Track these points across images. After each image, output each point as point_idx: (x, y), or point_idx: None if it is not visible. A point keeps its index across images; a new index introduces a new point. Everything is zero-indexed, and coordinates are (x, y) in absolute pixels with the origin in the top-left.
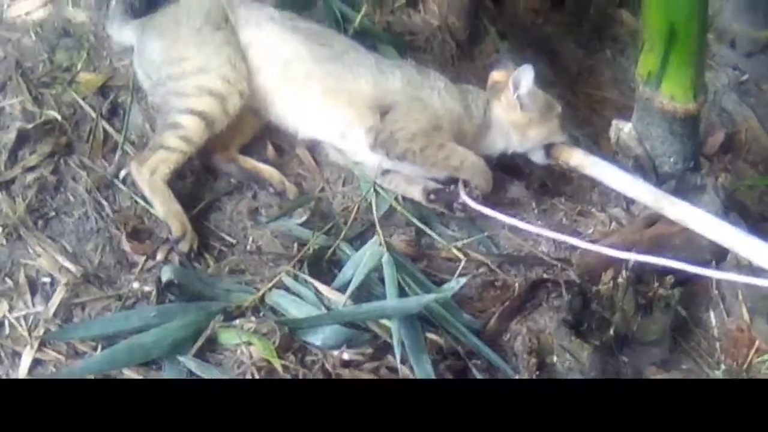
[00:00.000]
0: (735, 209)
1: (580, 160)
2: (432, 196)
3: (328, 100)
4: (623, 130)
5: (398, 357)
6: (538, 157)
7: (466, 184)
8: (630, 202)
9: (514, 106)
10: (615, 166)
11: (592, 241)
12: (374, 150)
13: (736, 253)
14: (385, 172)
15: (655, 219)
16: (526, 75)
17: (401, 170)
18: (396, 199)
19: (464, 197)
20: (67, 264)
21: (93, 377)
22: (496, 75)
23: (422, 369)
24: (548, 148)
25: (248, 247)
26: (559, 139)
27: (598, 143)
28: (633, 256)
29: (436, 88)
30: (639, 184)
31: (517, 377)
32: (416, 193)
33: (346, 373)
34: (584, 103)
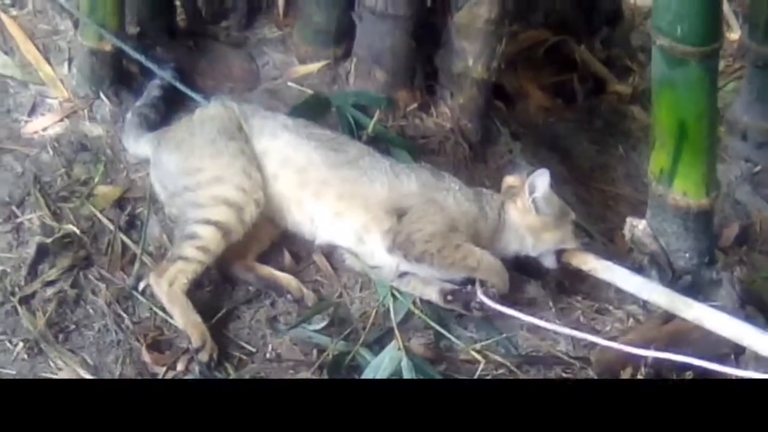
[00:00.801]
0: (752, 302)
1: (593, 264)
2: (449, 297)
3: (344, 205)
4: (638, 227)
5: None
6: (549, 262)
7: (482, 284)
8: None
9: (530, 209)
10: (627, 270)
11: (611, 339)
12: (392, 253)
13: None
14: (402, 274)
15: (672, 315)
16: (541, 178)
17: (418, 272)
18: (413, 302)
19: (481, 296)
20: (88, 377)
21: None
22: (510, 179)
23: None
24: (559, 253)
25: (268, 355)
26: (571, 245)
27: (612, 240)
28: (651, 353)
29: (451, 190)
30: (653, 287)
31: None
32: (433, 295)
33: None
34: (598, 199)
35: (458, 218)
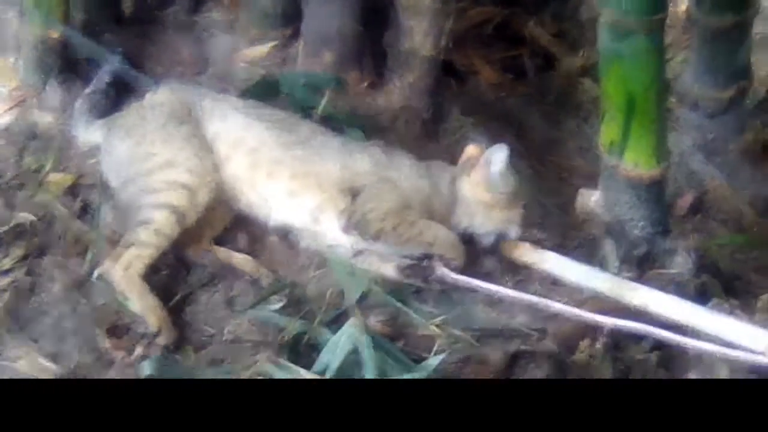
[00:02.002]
0: (707, 270)
1: (531, 256)
2: (407, 272)
3: (298, 184)
4: (591, 198)
5: None
6: (487, 243)
7: (440, 258)
8: (602, 268)
9: (480, 183)
10: (567, 258)
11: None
12: (347, 232)
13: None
14: (358, 252)
15: None
16: (499, 154)
17: (375, 249)
18: (371, 280)
19: (441, 269)
20: (48, 364)
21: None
22: (471, 149)
23: None
24: (500, 238)
25: (227, 337)
26: (515, 230)
27: (567, 211)
28: (611, 321)
29: (403, 167)
30: (594, 274)
31: None
32: (391, 271)
33: None
34: (552, 172)
35: (412, 195)
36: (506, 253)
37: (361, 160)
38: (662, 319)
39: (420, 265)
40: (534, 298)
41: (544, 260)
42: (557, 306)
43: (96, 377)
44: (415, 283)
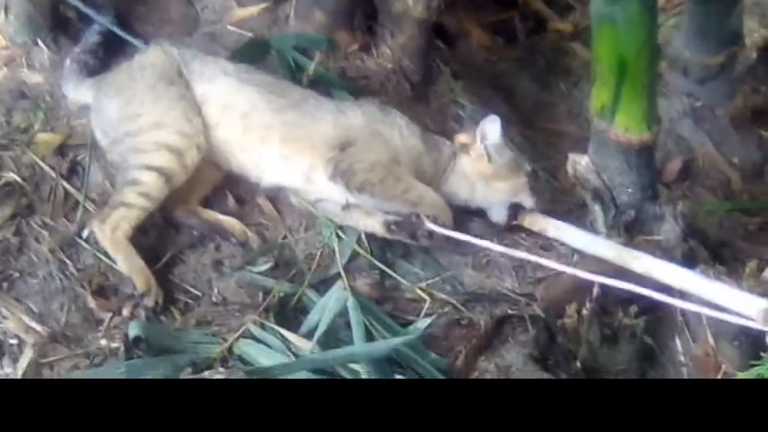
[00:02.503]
0: (694, 236)
1: (543, 224)
2: (393, 227)
3: (290, 147)
4: (580, 163)
5: None
6: (500, 216)
7: (426, 216)
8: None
9: (481, 156)
10: (576, 227)
11: (555, 275)
12: (334, 180)
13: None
14: (345, 207)
15: None
16: (492, 125)
17: (360, 203)
18: (359, 243)
19: (429, 224)
20: (34, 324)
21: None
22: (462, 137)
23: None
24: (513, 210)
25: (214, 299)
26: (527, 201)
27: (556, 177)
28: (599, 279)
29: (396, 124)
30: (600, 242)
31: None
32: (377, 226)
33: None
34: (541, 137)
35: (402, 152)
36: (521, 219)
37: (354, 115)
38: (656, 284)
39: (407, 221)
40: (525, 255)
41: (555, 228)
42: (548, 262)
43: (83, 337)
44: (403, 239)
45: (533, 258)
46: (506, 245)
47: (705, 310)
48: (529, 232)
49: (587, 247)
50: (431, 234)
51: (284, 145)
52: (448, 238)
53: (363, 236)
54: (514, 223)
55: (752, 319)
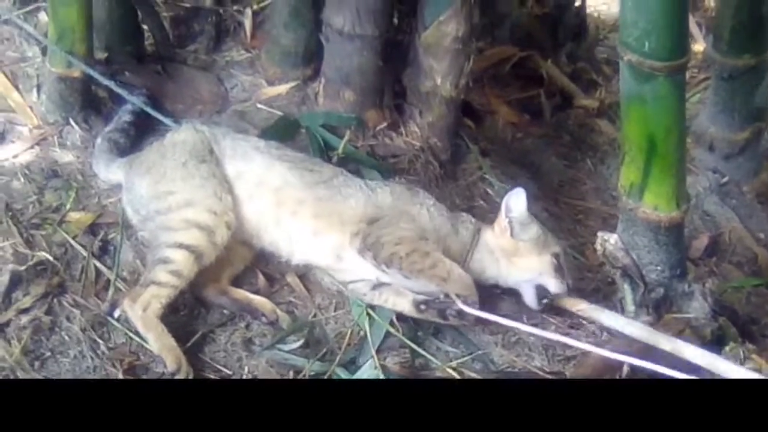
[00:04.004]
0: (723, 313)
1: (580, 306)
2: (422, 306)
3: (321, 223)
4: (609, 241)
5: None
6: (530, 299)
7: (454, 295)
8: (619, 311)
9: (504, 230)
10: (611, 311)
11: (584, 354)
12: (362, 254)
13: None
14: (376, 286)
15: None
16: (517, 197)
17: (391, 282)
18: (389, 322)
19: (460, 304)
20: None
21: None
22: None
23: None
24: (541, 292)
25: (244, 377)
26: (551, 284)
27: (583, 254)
28: (628, 359)
29: (425, 204)
30: (636, 325)
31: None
32: (407, 306)
33: None
34: (568, 214)
35: (429, 230)
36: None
37: (383, 195)
38: (684, 365)
39: (437, 300)
40: (554, 335)
41: (593, 311)
42: (576, 343)
43: None
44: (432, 319)
45: (563, 339)
46: (534, 324)
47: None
48: (558, 311)
49: (622, 329)
50: (461, 313)
51: (315, 221)
52: (478, 318)
53: (393, 316)
54: (545, 302)
55: None
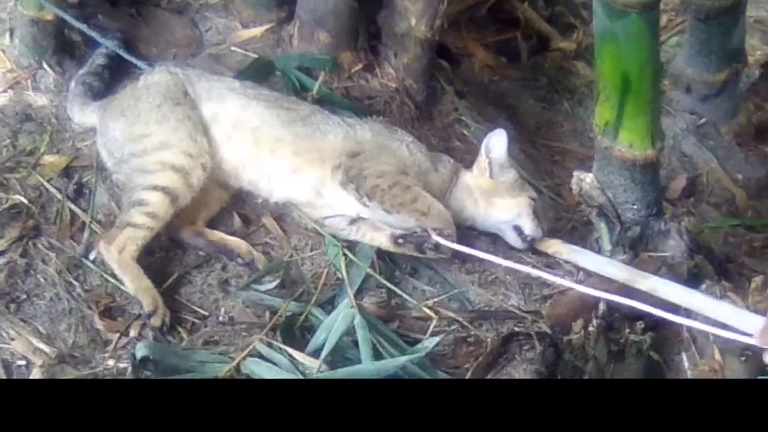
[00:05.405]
0: (700, 252)
1: (558, 248)
2: (400, 240)
3: (301, 160)
4: (585, 180)
5: None
6: (513, 239)
7: (432, 229)
8: (596, 250)
9: (483, 170)
10: (588, 251)
11: (561, 292)
12: (344, 187)
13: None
14: (353, 221)
15: None
16: (498, 138)
17: (369, 216)
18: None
19: (436, 237)
20: (41, 346)
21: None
22: None
23: None
24: (521, 233)
25: (221, 318)
26: (527, 226)
27: (560, 195)
28: (606, 296)
29: (404, 141)
30: (612, 264)
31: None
32: (384, 240)
33: None
34: (545, 155)
35: (410, 166)
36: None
37: (362, 131)
38: (661, 301)
39: (414, 234)
40: (532, 270)
41: (569, 252)
42: (554, 279)
43: (91, 358)
44: (410, 252)
45: (540, 274)
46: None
47: (707, 327)
48: (534, 250)
49: (599, 269)
50: (438, 246)
51: (294, 158)
52: (455, 252)
53: (374, 257)
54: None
55: (751, 336)
